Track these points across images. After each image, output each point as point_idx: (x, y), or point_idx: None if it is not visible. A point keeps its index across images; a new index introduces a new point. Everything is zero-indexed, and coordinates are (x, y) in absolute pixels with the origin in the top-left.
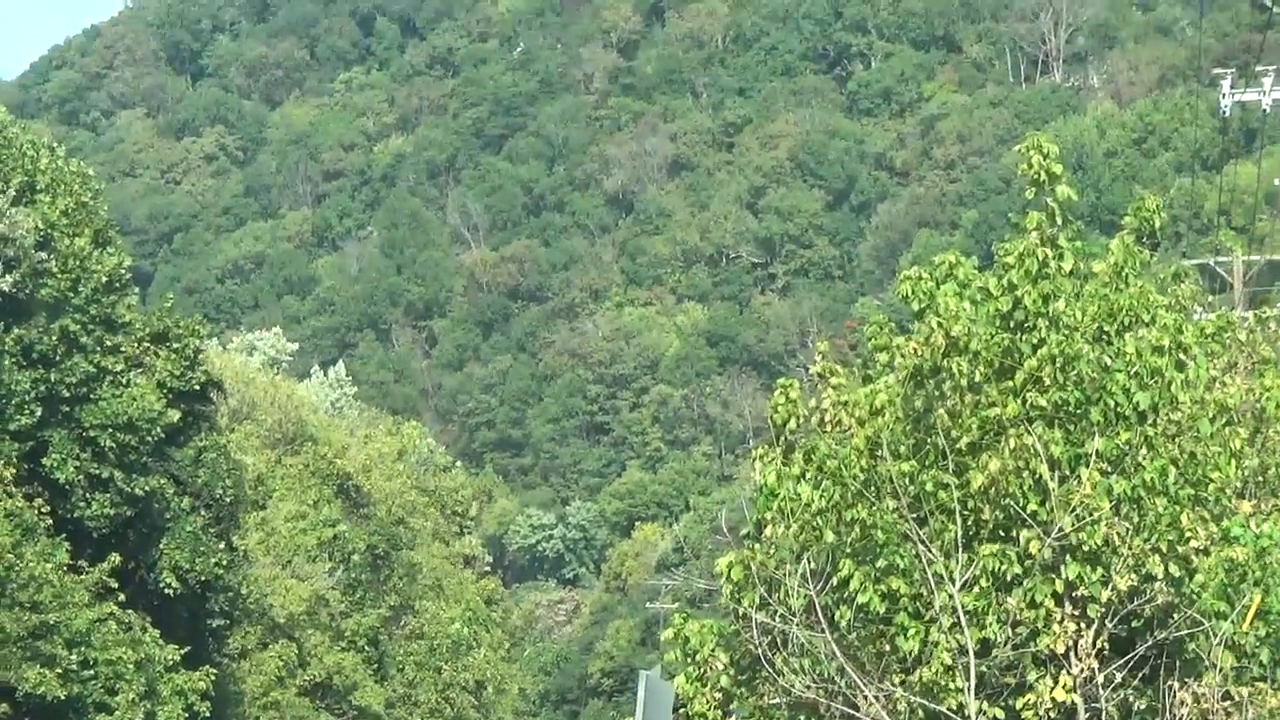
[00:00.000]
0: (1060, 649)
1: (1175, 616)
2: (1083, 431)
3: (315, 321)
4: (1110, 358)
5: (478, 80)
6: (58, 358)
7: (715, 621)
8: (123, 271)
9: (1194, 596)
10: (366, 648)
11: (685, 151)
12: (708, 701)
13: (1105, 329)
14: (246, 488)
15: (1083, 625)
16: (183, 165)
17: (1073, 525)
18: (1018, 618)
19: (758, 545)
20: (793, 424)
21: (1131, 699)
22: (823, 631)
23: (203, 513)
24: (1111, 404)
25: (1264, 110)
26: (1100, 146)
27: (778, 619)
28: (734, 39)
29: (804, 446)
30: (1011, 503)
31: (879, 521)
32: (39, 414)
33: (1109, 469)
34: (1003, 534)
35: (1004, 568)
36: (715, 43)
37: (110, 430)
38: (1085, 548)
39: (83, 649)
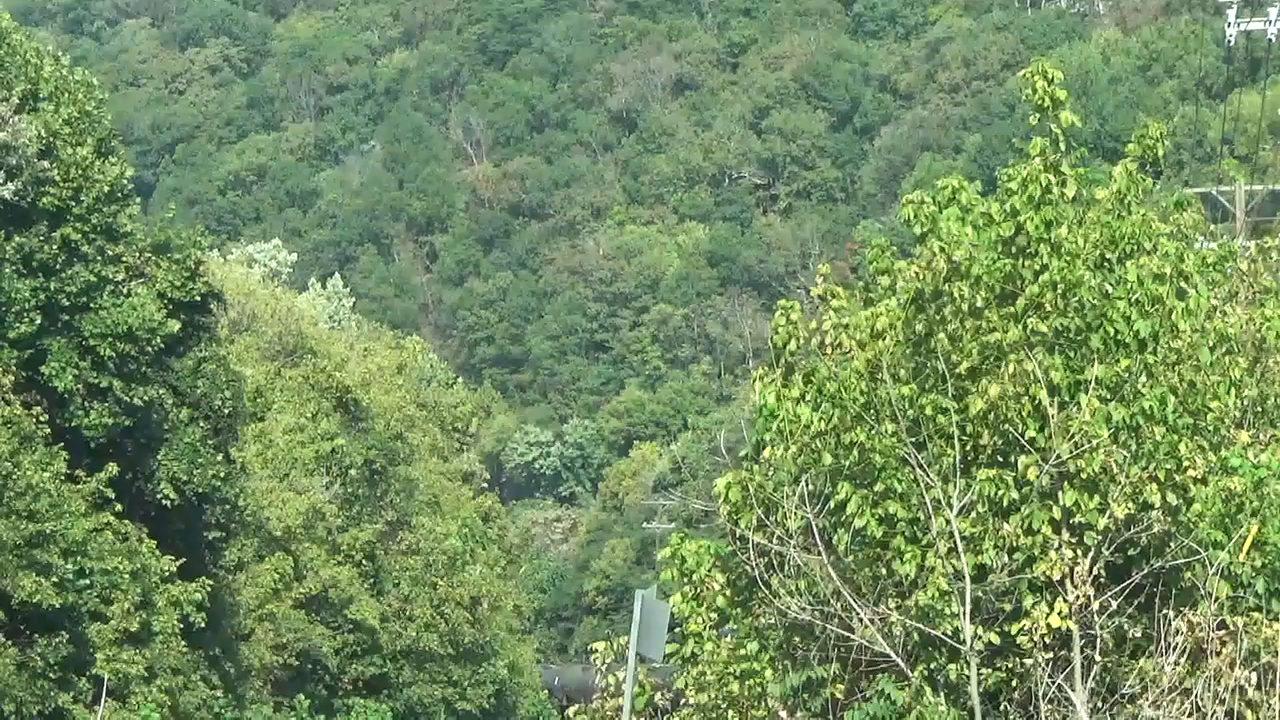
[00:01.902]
0: (1056, 575)
1: (1172, 545)
2: (1083, 358)
3: (316, 235)
4: (1111, 285)
5: None
6: (58, 266)
7: (712, 542)
8: (125, 181)
9: (1191, 525)
10: (363, 562)
11: (689, 71)
12: (703, 621)
13: (1107, 256)
14: (245, 400)
15: (1079, 552)
16: (186, 76)
17: (1071, 452)
18: (1014, 544)
19: (756, 466)
20: (793, 346)
21: (1126, 626)
22: (819, 554)
23: (201, 424)
24: (1112, 331)
25: (1269, 40)
26: (1104, 73)
27: (775, 540)
28: None
29: (804, 368)
30: (1010, 428)
31: (877, 445)
32: (38, 322)
33: (1108, 396)
34: (1001, 459)
35: (1001, 493)
36: None
37: (110, 340)
38: (1083, 475)
39: (79, 558)
